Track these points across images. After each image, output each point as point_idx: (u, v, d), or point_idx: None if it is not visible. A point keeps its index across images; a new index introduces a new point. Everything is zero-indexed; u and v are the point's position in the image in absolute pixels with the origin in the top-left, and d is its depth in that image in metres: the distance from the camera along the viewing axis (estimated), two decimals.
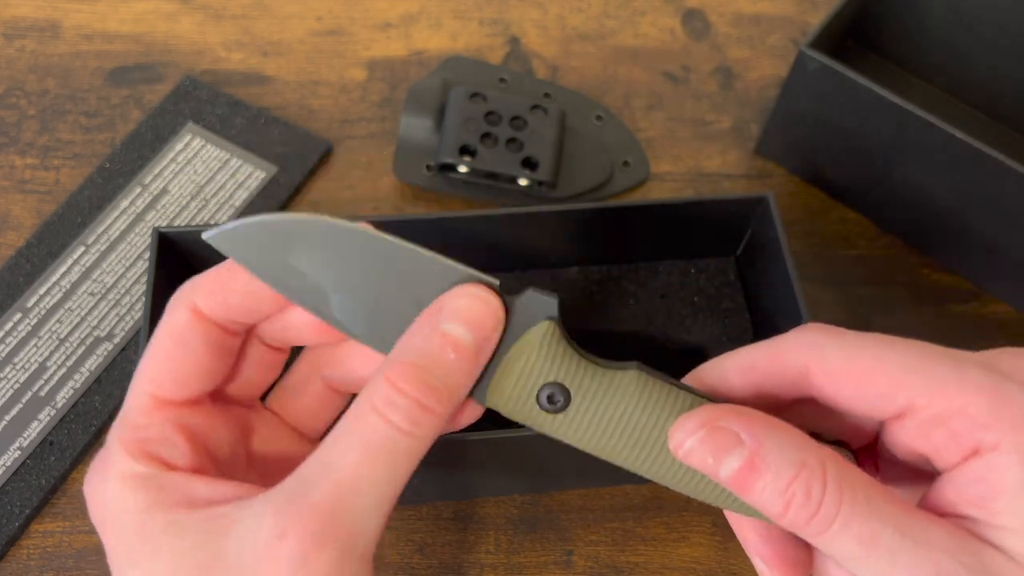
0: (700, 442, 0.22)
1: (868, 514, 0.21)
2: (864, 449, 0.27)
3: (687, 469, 0.24)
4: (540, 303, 0.24)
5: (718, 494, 0.24)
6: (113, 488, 0.24)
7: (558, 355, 0.24)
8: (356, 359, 0.28)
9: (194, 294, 0.26)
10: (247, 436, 0.28)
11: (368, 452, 0.22)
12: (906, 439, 0.23)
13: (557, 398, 0.24)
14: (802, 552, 0.25)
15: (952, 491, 0.23)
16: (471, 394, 0.25)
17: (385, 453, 0.22)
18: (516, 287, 0.26)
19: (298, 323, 0.27)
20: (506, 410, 0.25)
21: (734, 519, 0.26)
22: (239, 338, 0.27)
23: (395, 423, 0.23)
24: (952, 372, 0.22)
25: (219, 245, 0.25)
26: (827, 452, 0.22)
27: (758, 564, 0.26)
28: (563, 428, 0.25)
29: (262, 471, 0.28)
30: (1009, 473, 0.21)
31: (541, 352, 0.24)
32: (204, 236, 0.25)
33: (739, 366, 0.25)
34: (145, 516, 0.23)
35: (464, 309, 0.24)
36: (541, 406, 0.24)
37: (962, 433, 0.22)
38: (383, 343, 0.25)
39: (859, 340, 0.24)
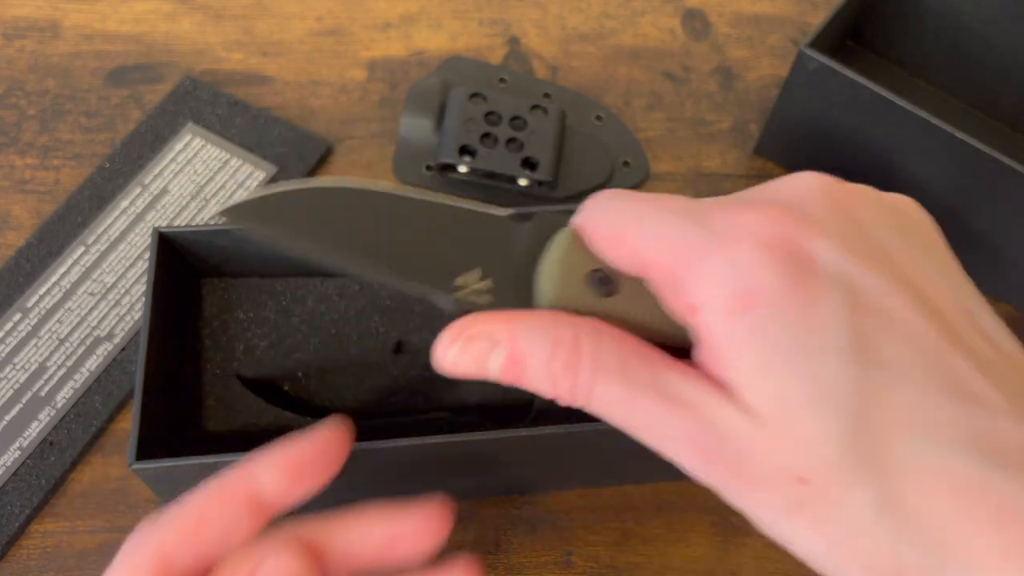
0: (460, 352, 0.23)
1: (621, 379, 0.21)
2: None
3: None
4: (554, 220, 0.25)
5: None
6: None
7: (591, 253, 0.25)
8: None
9: (158, 534, 0.24)
10: None
11: None
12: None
13: (609, 279, 0.24)
14: None
15: (696, 351, 0.23)
16: (519, 303, 0.25)
17: None
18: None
19: None
20: (558, 298, 0.24)
21: None
22: None
23: None
24: (675, 230, 0.22)
25: (236, 220, 0.25)
26: (583, 323, 0.22)
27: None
28: (618, 309, 0.24)
29: None
30: (714, 332, 0.21)
31: (580, 245, 0.24)
32: (221, 212, 0.25)
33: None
34: None
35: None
36: (595, 288, 0.24)
37: (678, 293, 0.22)
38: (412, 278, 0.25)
39: (626, 203, 0.24)
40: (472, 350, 0.23)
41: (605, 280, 0.24)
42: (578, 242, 0.24)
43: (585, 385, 0.22)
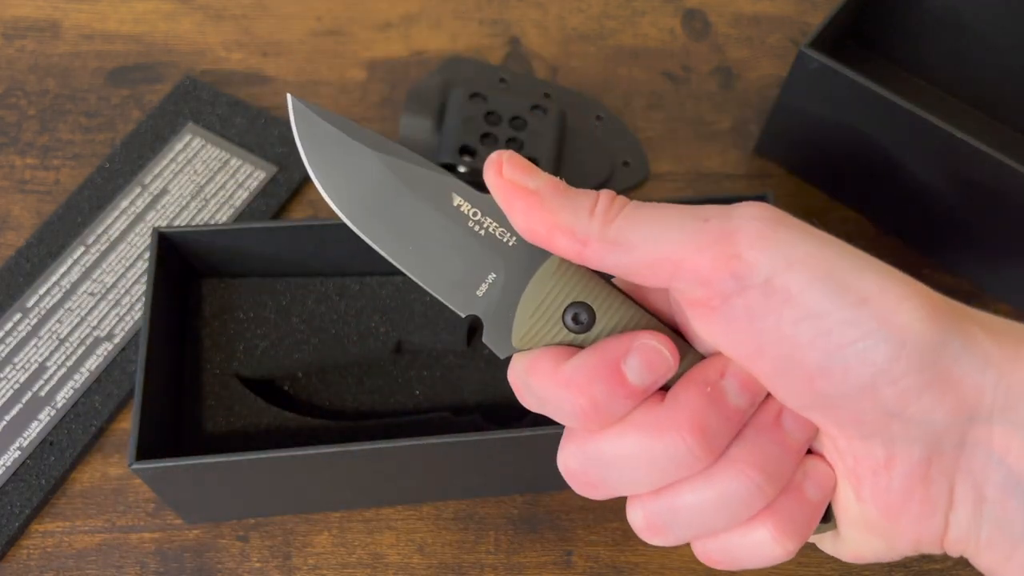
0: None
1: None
2: None
3: None
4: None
5: None
6: None
7: (578, 276, 0.25)
8: None
9: None
10: None
11: None
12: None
13: (582, 317, 0.24)
14: None
15: None
16: (495, 349, 0.25)
17: None
18: None
19: None
20: (533, 341, 0.24)
21: None
22: None
23: None
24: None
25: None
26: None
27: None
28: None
29: None
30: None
31: (562, 275, 0.24)
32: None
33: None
34: None
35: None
36: (568, 327, 0.24)
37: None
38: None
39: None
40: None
41: (579, 317, 0.24)
42: (560, 273, 0.24)
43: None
